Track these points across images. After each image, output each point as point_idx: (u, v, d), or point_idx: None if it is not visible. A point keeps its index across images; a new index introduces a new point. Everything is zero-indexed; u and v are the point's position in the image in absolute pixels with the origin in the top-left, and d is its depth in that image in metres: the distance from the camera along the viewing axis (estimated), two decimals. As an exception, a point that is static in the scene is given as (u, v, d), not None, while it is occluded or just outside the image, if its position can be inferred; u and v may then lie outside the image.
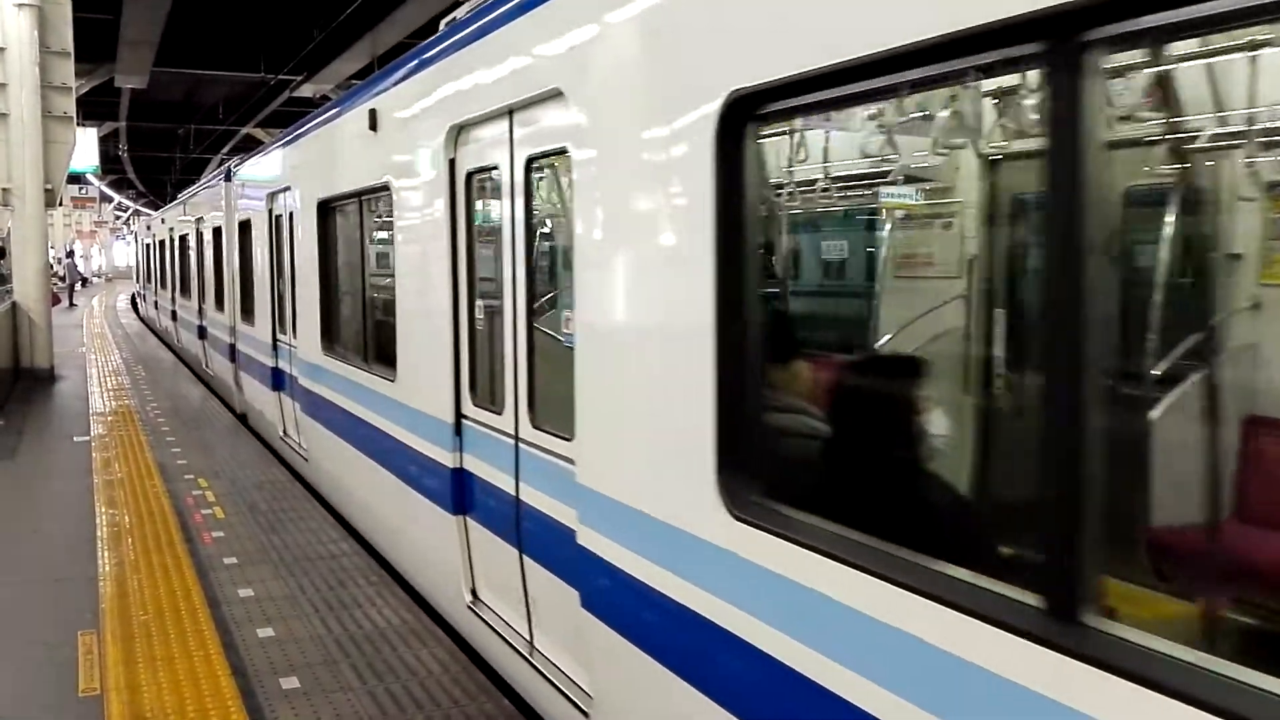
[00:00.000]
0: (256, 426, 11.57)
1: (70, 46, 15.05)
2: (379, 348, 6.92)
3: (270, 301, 10.31)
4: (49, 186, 14.92)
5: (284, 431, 10.02)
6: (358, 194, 7.11)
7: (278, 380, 10.19)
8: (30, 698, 4.65)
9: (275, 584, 6.13)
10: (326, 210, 8.00)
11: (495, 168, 4.75)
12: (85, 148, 25.66)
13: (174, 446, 10.24)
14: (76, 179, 38.66)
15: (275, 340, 10.21)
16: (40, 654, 5.11)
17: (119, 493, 8.32)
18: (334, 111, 7.86)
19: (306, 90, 24.60)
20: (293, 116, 16.12)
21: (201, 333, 16.40)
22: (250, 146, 19.70)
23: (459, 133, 5.10)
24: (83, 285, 46.37)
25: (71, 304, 34.52)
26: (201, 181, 19.00)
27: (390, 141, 6.24)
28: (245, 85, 26.39)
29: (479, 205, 5.16)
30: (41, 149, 14.62)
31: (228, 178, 13.04)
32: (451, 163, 5.14)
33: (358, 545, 6.97)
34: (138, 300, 34.86)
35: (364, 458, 6.95)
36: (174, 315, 21.33)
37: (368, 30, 19.37)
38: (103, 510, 7.76)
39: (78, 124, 16.10)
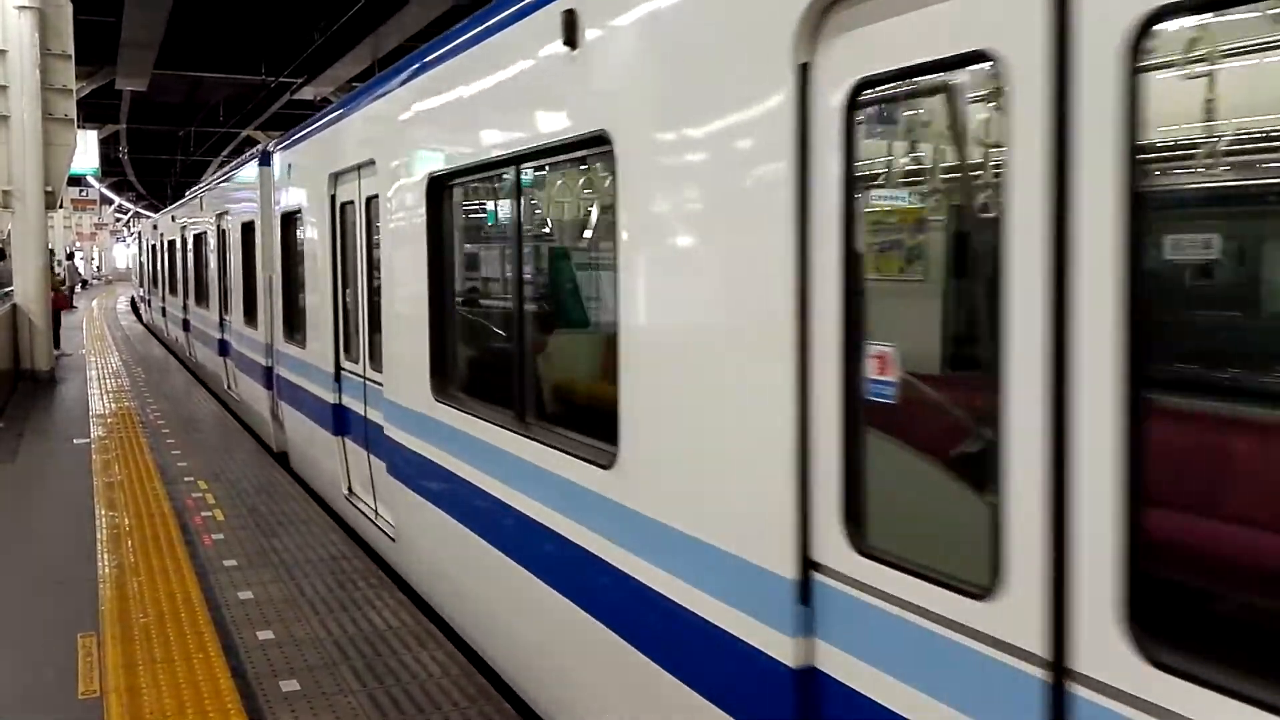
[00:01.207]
0: (303, 472, 9.37)
1: (71, 49, 15.09)
2: (566, 407, 4.71)
3: (332, 318, 7.89)
4: (49, 189, 14.95)
5: (350, 489, 7.77)
6: (518, 159, 4.54)
7: (342, 422, 7.83)
8: (30, 700, 4.64)
9: (275, 586, 6.12)
10: (443, 189, 5.53)
11: (985, 59, 2.22)
12: (86, 150, 25.82)
13: (174, 449, 10.24)
14: (77, 181, 38.81)
15: (339, 369, 7.87)
16: (40, 656, 5.10)
17: (119, 495, 8.32)
18: (466, 38, 5.13)
19: (307, 93, 24.61)
20: (293, 119, 16.15)
21: (223, 349, 13.95)
22: (250, 148, 19.55)
23: (829, 8, 2.63)
24: (83, 287, 46.38)
25: (71, 306, 34.54)
26: (225, 169, 15.73)
27: (614, 58, 3.72)
28: (246, 88, 26.38)
29: (893, 152, 2.70)
30: (42, 151, 14.66)
31: (264, 161, 10.65)
32: (803, 71, 2.68)
33: (357, 548, 6.98)
34: (140, 305, 33.95)
35: (538, 584, 4.40)
36: (186, 325, 18.76)
37: (369, 33, 19.37)
38: (102, 512, 7.76)
39: (78, 126, 16.14)
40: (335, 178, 7.78)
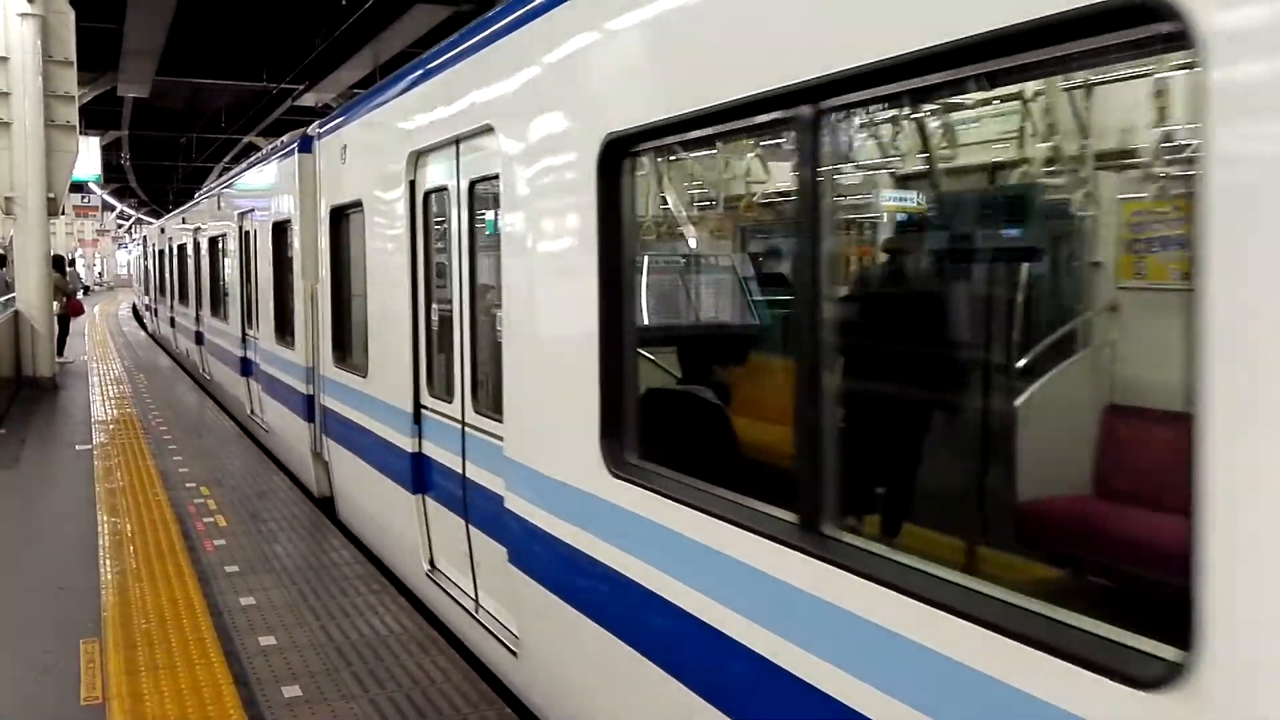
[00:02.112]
0: (358, 529, 7.67)
1: (73, 56, 15.11)
2: (959, 520, 3.23)
3: (410, 341, 6.02)
4: (52, 195, 14.98)
5: (432, 564, 6.00)
6: (823, 89, 2.60)
7: (423, 476, 6.07)
8: (33, 706, 4.65)
9: (277, 592, 6.13)
10: (627, 157, 3.62)
11: None
12: (88, 156, 25.82)
13: (176, 455, 10.25)
14: (79, 187, 38.80)
15: (419, 407, 6.00)
16: (42, 662, 5.11)
17: (121, 501, 8.32)
18: None
19: (308, 99, 24.69)
20: (294, 126, 16.05)
21: (246, 368, 12.15)
22: (252, 154, 19.02)
23: None
24: (84, 293, 46.47)
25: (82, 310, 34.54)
26: (249, 160, 13.71)
27: None
28: (247, 94, 26.47)
29: None
30: (44, 158, 14.68)
31: (305, 147, 8.78)
32: None
33: (359, 553, 6.98)
34: (143, 312, 33.15)
35: None
36: (199, 338, 16.84)
37: (370, 39, 19.44)
38: (104, 518, 7.77)
39: (80, 133, 16.17)
40: (418, 158, 5.99)
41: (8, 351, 14.32)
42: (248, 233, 11.89)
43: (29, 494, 8.83)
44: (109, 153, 36.44)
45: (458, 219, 5.41)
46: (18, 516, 8.02)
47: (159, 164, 42.22)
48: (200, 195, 18.69)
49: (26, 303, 15.25)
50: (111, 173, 42.20)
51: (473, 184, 5.27)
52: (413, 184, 6.05)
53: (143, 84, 23.64)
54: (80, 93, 16.88)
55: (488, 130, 4.80)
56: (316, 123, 8.89)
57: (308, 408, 8.79)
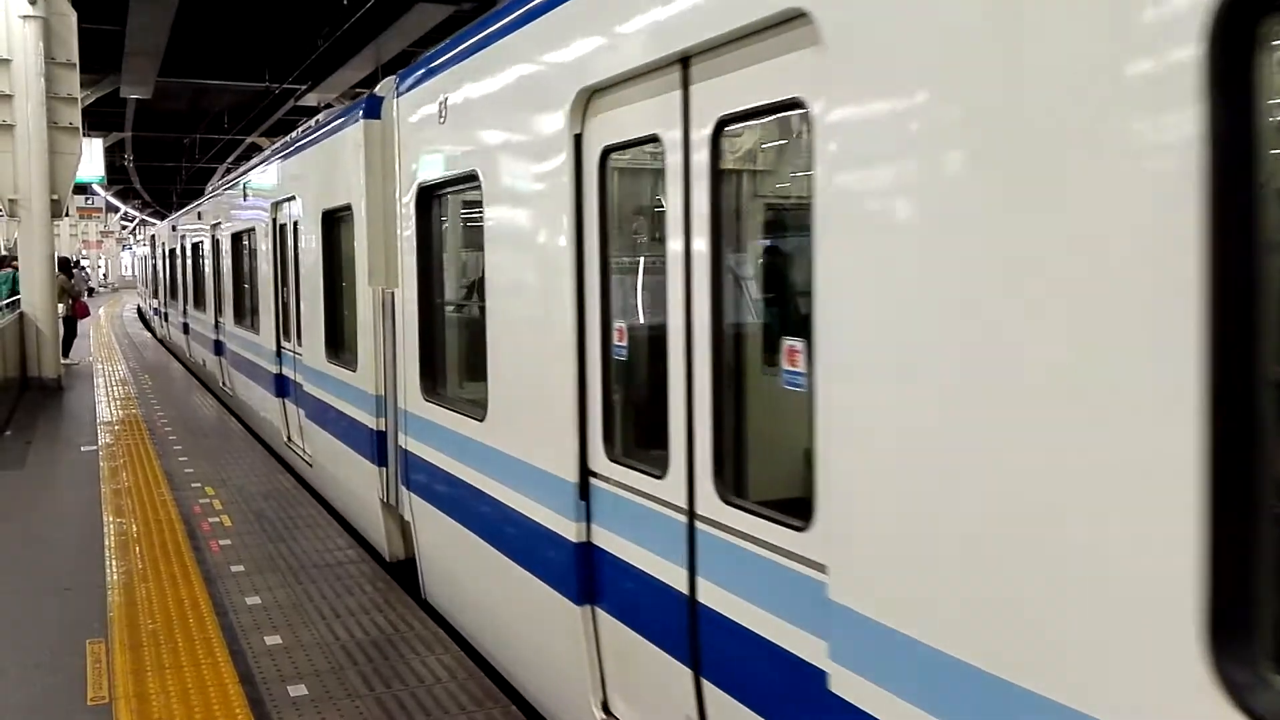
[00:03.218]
0: (459, 618, 5.81)
1: (75, 58, 15.15)
2: None
3: (571, 374, 4.04)
4: (55, 197, 15.02)
5: (606, 709, 4.13)
6: None
7: (594, 581, 4.09)
8: (39, 707, 4.66)
9: (282, 591, 6.14)
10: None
11: None
12: (91, 158, 25.91)
13: (181, 455, 10.27)
14: (82, 189, 38.96)
15: (587, 475, 4.06)
16: (49, 662, 5.12)
17: (126, 501, 8.34)
18: None
19: (311, 99, 24.70)
20: (296, 126, 16.06)
21: (280, 388, 10.28)
22: (255, 155, 18.54)
23: None
24: (89, 295, 46.60)
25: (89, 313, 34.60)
26: (281, 141, 11.48)
27: None
28: (250, 95, 26.48)
29: None
30: (47, 160, 14.71)
31: (373, 112, 6.92)
32: None
33: (364, 552, 6.99)
34: (151, 317, 31.65)
35: None
36: (218, 348, 14.94)
37: (372, 39, 19.44)
38: (110, 519, 7.78)
39: (83, 134, 16.20)
40: (590, 98, 3.94)
41: (13, 353, 14.36)
42: (283, 226, 9.95)
43: (35, 494, 8.85)
44: (112, 154, 36.50)
45: (684, 186, 3.33)
46: (24, 517, 8.04)
47: (162, 165, 42.31)
48: (219, 185, 16.52)
49: (31, 304, 15.29)
50: (115, 174, 42.32)
51: (722, 125, 3.18)
52: (579, 139, 4.04)
53: (145, 85, 23.66)
54: (83, 94, 16.89)
55: (787, 21, 2.74)
56: (391, 78, 6.70)
57: (377, 447, 6.98)
